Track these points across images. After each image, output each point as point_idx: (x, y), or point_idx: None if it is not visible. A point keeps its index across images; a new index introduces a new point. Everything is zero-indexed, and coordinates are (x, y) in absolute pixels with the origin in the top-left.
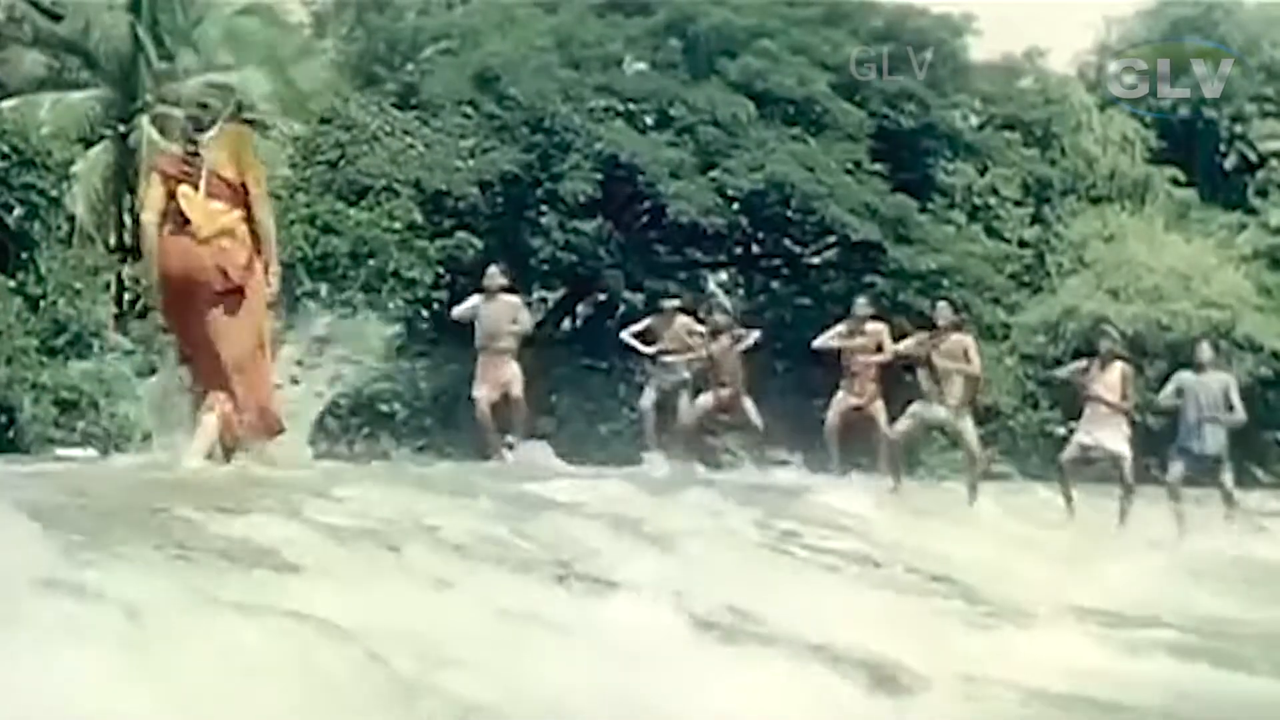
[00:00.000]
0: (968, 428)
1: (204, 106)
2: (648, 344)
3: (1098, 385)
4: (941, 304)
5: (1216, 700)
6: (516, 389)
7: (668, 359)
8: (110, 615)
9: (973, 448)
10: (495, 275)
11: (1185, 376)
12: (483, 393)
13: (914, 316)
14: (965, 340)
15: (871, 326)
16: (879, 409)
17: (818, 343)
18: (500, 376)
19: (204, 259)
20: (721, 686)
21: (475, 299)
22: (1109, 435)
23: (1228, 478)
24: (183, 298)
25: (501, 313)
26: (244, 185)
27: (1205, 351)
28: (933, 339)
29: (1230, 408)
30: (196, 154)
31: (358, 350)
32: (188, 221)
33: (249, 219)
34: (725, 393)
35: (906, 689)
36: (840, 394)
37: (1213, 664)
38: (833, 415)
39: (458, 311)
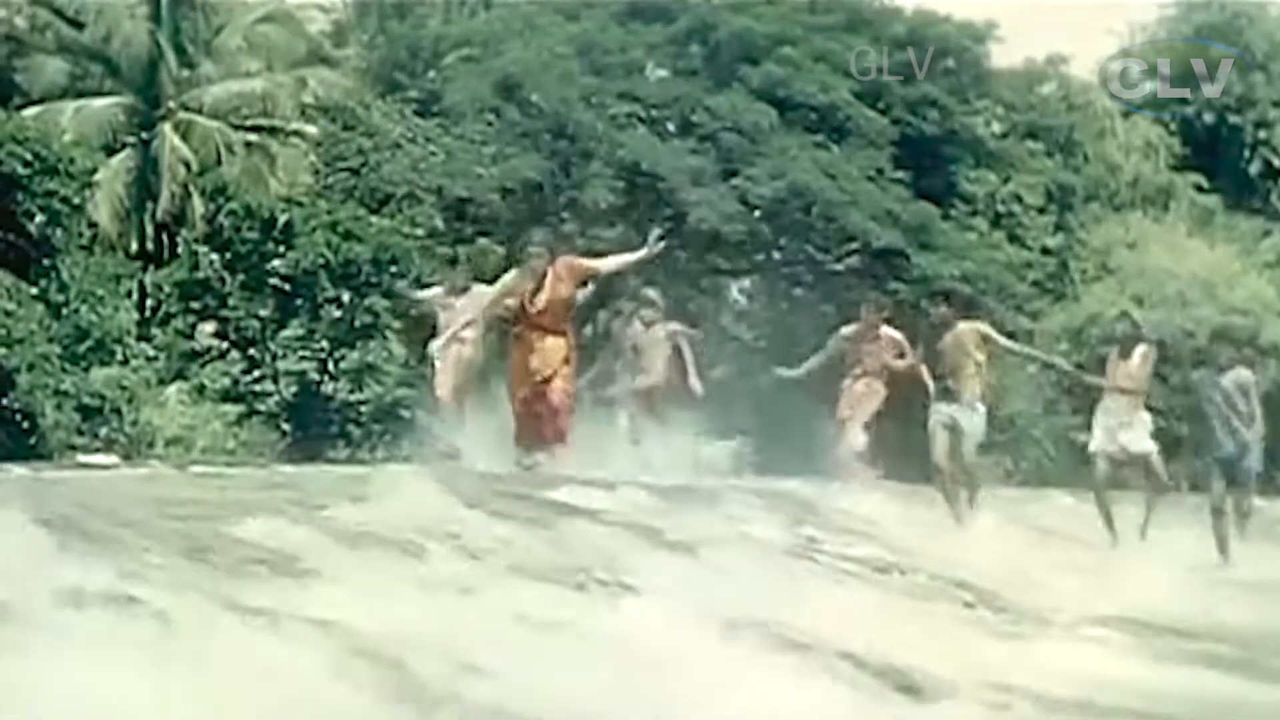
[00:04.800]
0: (976, 428)
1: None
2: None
3: (1117, 375)
4: (936, 297)
5: (1240, 710)
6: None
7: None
8: (134, 622)
9: (971, 454)
10: (465, 270)
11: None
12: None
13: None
14: (980, 328)
15: (886, 333)
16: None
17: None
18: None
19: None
20: (743, 692)
21: (437, 290)
22: (1132, 435)
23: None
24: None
25: (472, 307)
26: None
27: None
28: (928, 338)
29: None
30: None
31: None
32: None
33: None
34: (645, 381)
35: (929, 696)
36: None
37: (1236, 674)
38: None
39: (422, 295)
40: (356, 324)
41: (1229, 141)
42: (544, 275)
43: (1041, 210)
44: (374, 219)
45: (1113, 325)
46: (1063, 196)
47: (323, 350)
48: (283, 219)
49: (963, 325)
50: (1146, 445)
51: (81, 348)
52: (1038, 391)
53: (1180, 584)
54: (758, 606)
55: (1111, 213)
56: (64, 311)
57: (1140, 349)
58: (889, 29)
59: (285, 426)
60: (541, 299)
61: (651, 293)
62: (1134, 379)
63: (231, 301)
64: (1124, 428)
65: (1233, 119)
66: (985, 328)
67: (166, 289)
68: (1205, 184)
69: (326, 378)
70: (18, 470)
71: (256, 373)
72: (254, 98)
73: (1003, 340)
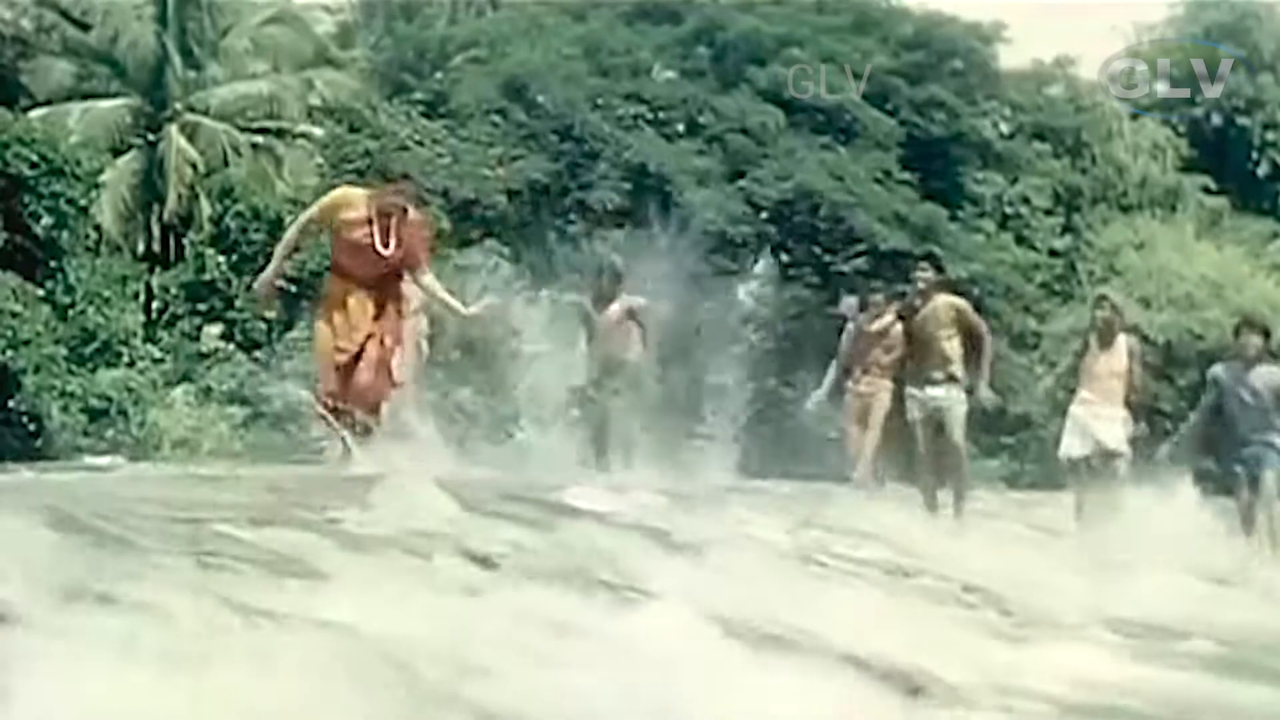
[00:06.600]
0: (958, 416)
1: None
2: None
3: (1096, 366)
4: (922, 263)
5: (1246, 713)
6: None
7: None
8: (139, 624)
9: (956, 441)
10: None
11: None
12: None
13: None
14: (955, 302)
15: (888, 320)
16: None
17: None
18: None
19: None
20: (750, 696)
21: None
22: (1105, 429)
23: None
24: None
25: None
26: None
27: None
28: (907, 305)
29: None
30: None
31: None
32: None
33: None
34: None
35: (936, 699)
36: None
37: (1243, 677)
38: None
39: None
40: None
41: (1237, 143)
42: (395, 218)
43: (1049, 212)
44: None
45: (1092, 313)
46: (1070, 198)
47: None
48: (289, 221)
49: (941, 298)
50: (1120, 444)
51: (88, 349)
52: (1046, 393)
53: (1190, 586)
54: (764, 609)
55: (1119, 214)
56: (70, 313)
57: (1123, 339)
58: (897, 30)
59: (291, 429)
60: (392, 244)
61: (617, 260)
62: (1116, 374)
63: (238, 303)
64: (1098, 421)
65: (1241, 120)
66: (961, 303)
67: (173, 291)
68: (1213, 185)
69: None
70: (24, 472)
71: (263, 375)
72: (260, 99)
73: (974, 318)
